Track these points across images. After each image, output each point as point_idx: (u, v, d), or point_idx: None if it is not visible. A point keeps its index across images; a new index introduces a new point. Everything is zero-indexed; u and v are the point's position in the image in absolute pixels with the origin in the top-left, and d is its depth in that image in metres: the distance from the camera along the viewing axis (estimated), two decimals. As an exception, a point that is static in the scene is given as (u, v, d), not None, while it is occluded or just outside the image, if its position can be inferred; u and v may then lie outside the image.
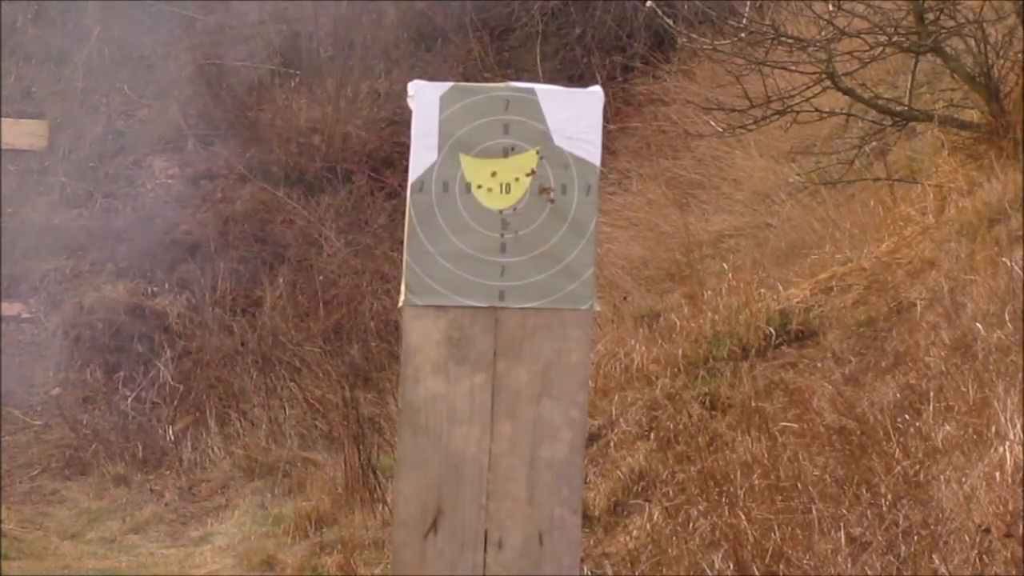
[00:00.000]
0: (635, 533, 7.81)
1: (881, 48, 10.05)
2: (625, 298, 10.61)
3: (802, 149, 11.75)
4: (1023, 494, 6.34)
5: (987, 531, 6.30)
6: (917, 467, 6.87)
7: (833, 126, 11.58)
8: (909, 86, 10.38)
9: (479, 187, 5.00)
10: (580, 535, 4.97)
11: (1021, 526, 6.22)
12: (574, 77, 15.16)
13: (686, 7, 13.61)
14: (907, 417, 7.24)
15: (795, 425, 7.72)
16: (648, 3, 11.21)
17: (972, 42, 9.77)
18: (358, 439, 10.16)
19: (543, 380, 4.95)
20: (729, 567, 6.93)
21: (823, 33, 10.07)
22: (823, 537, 6.70)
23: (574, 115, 5.02)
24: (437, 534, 4.89)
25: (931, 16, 9.84)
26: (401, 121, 14.90)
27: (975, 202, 9.04)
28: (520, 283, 4.98)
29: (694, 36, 11.61)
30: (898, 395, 7.57)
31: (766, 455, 7.50)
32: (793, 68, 10.28)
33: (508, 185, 5.01)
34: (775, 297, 9.27)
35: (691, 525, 7.40)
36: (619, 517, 8.07)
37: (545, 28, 15.91)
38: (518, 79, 12.61)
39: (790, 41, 10.28)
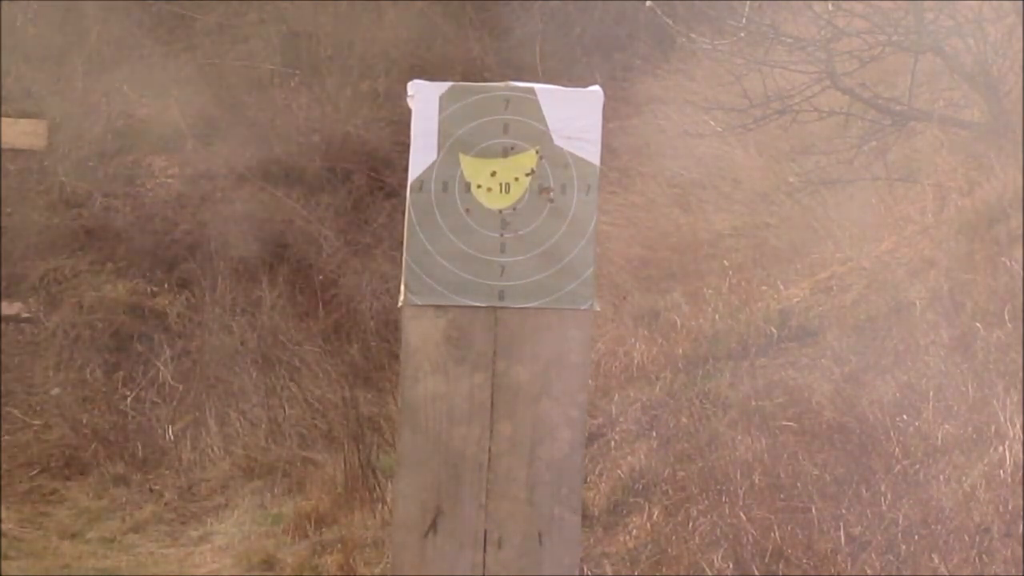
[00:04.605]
0: (635, 532, 7.80)
1: (881, 48, 10.05)
2: (625, 297, 10.60)
3: (802, 149, 11.74)
4: (1023, 494, 6.34)
5: (987, 531, 6.30)
6: (917, 466, 6.87)
7: (833, 126, 11.57)
8: (909, 86, 10.37)
9: (479, 187, 5.01)
10: (580, 535, 4.97)
11: (1021, 526, 6.22)
12: (574, 77, 15.16)
13: (686, 7, 13.59)
14: (906, 416, 7.24)
15: (795, 424, 7.72)
16: (648, 2, 11.20)
17: (972, 42, 9.76)
18: (358, 439, 10.16)
19: (543, 380, 4.95)
20: (729, 566, 6.93)
21: (823, 33, 10.07)
22: (823, 536, 6.70)
23: (574, 114, 5.02)
24: (437, 534, 4.89)
25: (931, 16, 9.84)
26: (401, 121, 14.89)
27: (975, 202, 9.04)
28: (520, 283, 4.98)
29: (694, 36, 11.60)
30: (898, 394, 7.57)
31: (766, 454, 7.50)
32: (793, 68, 10.28)
33: (508, 185, 5.01)
34: (775, 296, 9.27)
35: (691, 524, 7.39)
36: (619, 517, 8.06)
37: (545, 28, 15.91)
38: (518, 79, 12.61)
39: (790, 41, 10.27)
